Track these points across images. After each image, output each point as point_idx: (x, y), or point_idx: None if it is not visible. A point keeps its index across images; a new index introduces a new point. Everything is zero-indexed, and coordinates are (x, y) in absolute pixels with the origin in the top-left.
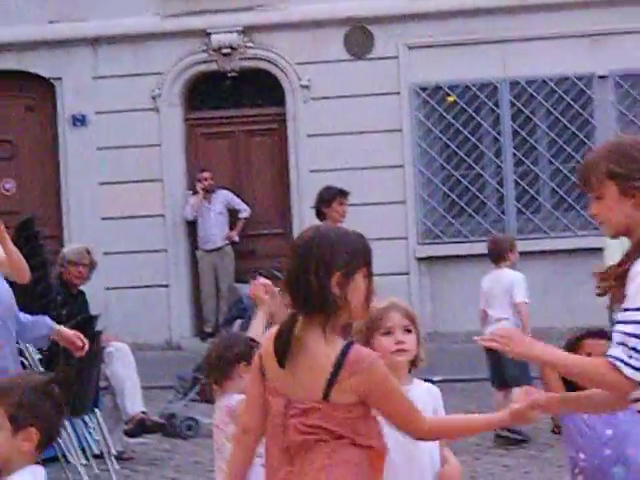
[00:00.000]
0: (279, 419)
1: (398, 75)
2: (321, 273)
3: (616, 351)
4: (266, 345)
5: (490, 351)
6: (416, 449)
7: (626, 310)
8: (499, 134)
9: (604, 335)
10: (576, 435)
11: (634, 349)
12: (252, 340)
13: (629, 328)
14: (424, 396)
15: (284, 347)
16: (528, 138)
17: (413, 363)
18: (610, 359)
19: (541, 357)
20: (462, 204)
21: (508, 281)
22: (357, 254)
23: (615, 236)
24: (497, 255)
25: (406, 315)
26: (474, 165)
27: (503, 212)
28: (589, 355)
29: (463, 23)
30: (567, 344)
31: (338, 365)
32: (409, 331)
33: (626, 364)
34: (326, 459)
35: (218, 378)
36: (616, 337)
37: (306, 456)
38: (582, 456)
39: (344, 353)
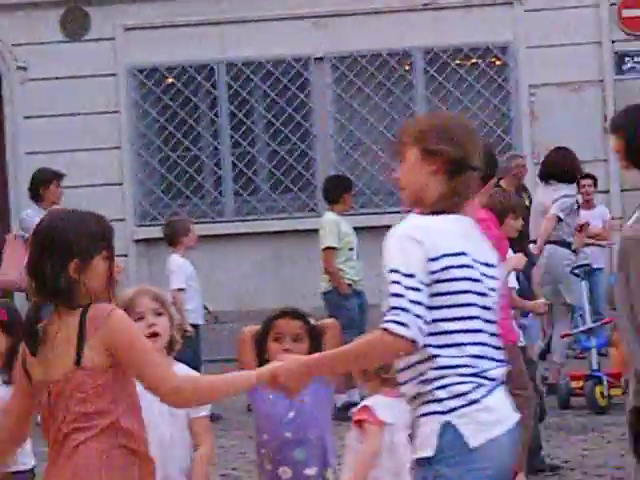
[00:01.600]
0: (46, 411)
1: (115, 56)
2: (58, 262)
3: (386, 316)
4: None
5: None
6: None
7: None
8: (216, 116)
9: (298, 316)
10: (261, 416)
11: (392, 307)
12: None
13: (389, 290)
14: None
15: (31, 335)
16: (245, 120)
17: (170, 347)
18: (382, 325)
19: (319, 370)
20: (180, 186)
21: (168, 268)
22: (94, 238)
23: (411, 205)
24: (170, 239)
25: (155, 298)
26: (191, 147)
27: (220, 194)
28: (279, 335)
29: (180, 5)
30: (262, 326)
31: (82, 324)
32: (160, 314)
33: (387, 321)
34: (75, 456)
35: None
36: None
37: (62, 451)
38: (265, 437)
39: (84, 312)
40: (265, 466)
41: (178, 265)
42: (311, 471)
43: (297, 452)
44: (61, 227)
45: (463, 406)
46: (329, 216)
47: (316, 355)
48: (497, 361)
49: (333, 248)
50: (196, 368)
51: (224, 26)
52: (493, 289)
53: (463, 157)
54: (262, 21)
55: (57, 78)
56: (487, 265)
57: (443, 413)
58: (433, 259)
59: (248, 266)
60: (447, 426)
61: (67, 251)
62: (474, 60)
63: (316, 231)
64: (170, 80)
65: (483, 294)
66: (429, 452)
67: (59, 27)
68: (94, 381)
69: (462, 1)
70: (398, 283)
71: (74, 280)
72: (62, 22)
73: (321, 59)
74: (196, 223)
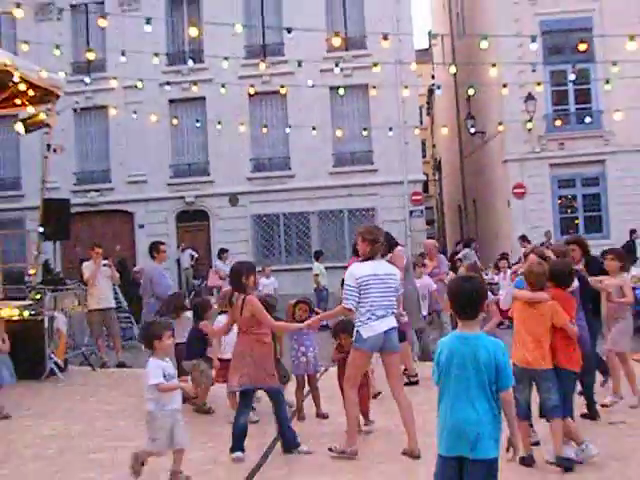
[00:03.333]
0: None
1: (245, 211)
2: (238, 277)
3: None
4: None
5: None
6: None
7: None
8: (278, 231)
9: (305, 302)
10: (295, 342)
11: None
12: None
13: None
14: None
15: (230, 302)
16: (290, 233)
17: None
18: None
19: (322, 319)
20: (267, 254)
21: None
22: (248, 271)
23: (361, 256)
24: (260, 271)
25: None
26: (267, 244)
27: (280, 254)
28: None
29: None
30: (289, 309)
31: (244, 300)
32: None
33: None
34: None
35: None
36: None
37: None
38: (296, 345)
39: (245, 295)
40: (297, 353)
41: (262, 282)
42: (314, 354)
43: (310, 350)
44: (238, 268)
45: (362, 324)
46: (317, 265)
47: (319, 315)
48: (385, 310)
49: (316, 275)
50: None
51: (284, 202)
52: (388, 283)
53: (375, 240)
54: (297, 199)
55: (228, 218)
56: (386, 274)
57: (358, 327)
58: (357, 278)
59: (290, 280)
60: (357, 332)
61: (240, 275)
62: (357, 215)
63: (306, 270)
64: (263, 224)
65: (381, 287)
66: (355, 338)
67: (228, 202)
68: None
69: (346, 193)
70: (348, 287)
71: (244, 284)
72: (229, 200)
73: (312, 212)
74: (274, 264)
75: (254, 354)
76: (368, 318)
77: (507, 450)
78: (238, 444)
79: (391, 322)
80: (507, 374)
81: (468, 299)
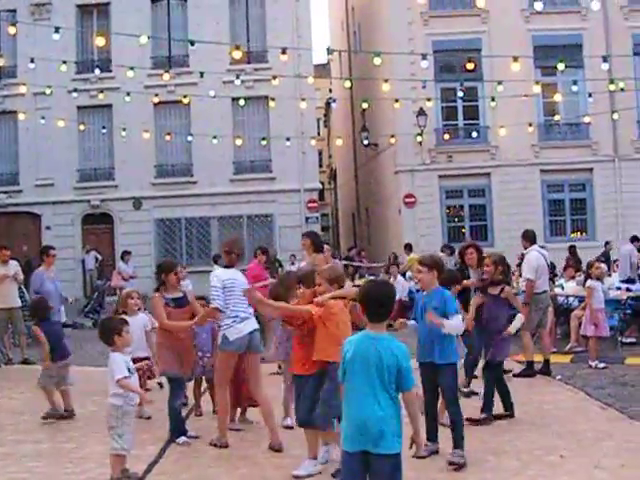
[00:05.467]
0: None
1: (148, 215)
2: (159, 277)
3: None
4: None
5: None
6: None
7: None
8: (181, 235)
9: (206, 298)
10: (197, 345)
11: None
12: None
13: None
14: None
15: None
16: (194, 238)
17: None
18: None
19: (206, 318)
20: (171, 256)
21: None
22: (167, 268)
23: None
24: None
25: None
26: (170, 248)
27: (191, 257)
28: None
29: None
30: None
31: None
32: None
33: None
34: None
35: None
36: None
37: None
38: (200, 354)
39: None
40: (196, 355)
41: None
42: (210, 360)
43: (207, 356)
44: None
45: (228, 327)
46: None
47: (202, 314)
48: (246, 313)
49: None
50: None
51: (186, 207)
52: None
53: (229, 251)
54: (199, 205)
55: (132, 222)
56: (242, 282)
57: (224, 330)
58: (223, 280)
59: (190, 282)
60: (224, 335)
61: (159, 271)
62: (256, 221)
63: (205, 272)
64: (166, 227)
65: (240, 292)
66: (221, 341)
67: (132, 206)
68: None
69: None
70: (214, 289)
71: (162, 280)
72: (133, 204)
73: (213, 217)
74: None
75: (173, 346)
76: (233, 321)
77: (410, 447)
78: (180, 428)
79: (253, 324)
80: (408, 378)
81: (381, 302)
